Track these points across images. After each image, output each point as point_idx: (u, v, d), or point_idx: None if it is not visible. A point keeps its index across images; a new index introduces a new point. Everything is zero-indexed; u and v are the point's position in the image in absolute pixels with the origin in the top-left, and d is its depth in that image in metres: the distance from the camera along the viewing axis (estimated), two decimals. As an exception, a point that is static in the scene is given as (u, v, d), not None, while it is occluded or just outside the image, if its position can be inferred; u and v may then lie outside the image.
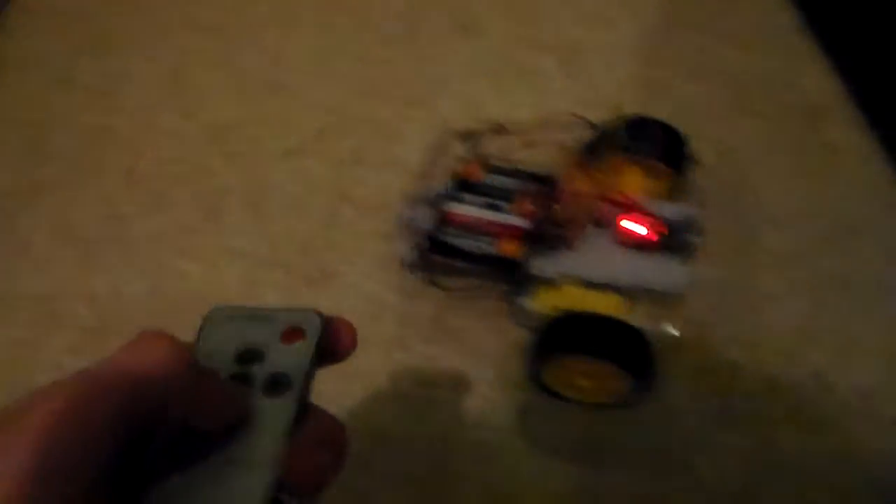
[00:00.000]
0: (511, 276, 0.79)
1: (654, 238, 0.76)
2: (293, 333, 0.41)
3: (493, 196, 0.81)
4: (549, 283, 0.78)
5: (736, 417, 0.77)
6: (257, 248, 0.94)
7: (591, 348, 0.72)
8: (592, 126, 0.85)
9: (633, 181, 0.83)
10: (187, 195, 0.99)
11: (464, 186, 0.82)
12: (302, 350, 0.40)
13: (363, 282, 0.90)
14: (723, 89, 0.99)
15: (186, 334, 0.85)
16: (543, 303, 0.77)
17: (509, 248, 0.77)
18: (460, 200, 0.81)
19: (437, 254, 0.80)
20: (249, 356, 0.40)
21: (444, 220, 0.80)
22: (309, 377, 0.39)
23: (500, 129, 0.86)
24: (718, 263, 0.86)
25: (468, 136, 0.86)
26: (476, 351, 0.84)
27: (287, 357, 0.40)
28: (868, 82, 0.96)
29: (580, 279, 0.77)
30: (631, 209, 0.78)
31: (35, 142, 1.09)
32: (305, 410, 0.38)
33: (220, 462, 0.36)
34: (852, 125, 0.94)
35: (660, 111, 0.93)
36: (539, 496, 0.77)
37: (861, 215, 0.88)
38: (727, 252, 0.87)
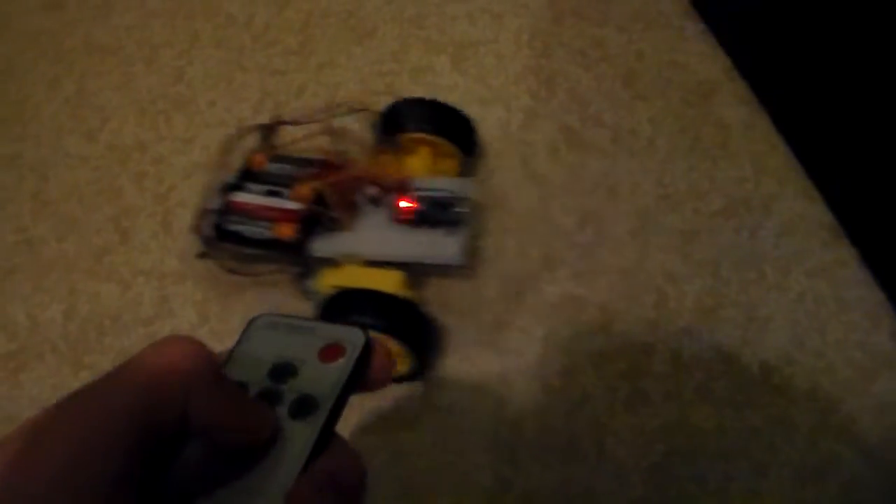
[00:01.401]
0: (292, 258, 0.84)
1: (415, 211, 0.82)
2: (333, 350, 0.38)
3: (274, 183, 0.85)
4: (330, 263, 0.83)
5: (647, 398, 0.80)
6: (167, 263, 0.96)
7: (362, 322, 0.75)
8: (373, 110, 0.90)
9: (420, 161, 0.89)
10: (98, 217, 1.00)
11: (248, 176, 0.86)
12: (338, 370, 0.37)
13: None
14: (614, 75, 1.02)
15: (106, 355, 0.87)
16: (326, 283, 0.82)
17: (285, 232, 0.81)
18: (244, 189, 0.85)
19: (222, 240, 0.84)
20: (283, 371, 0.38)
21: (229, 208, 0.84)
22: (340, 402, 0.36)
23: (289, 121, 0.90)
24: (617, 249, 0.88)
25: (260, 129, 0.90)
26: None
27: (321, 376, 0.37)
28: (755, 59, 0.99)
29: (360, 258, 0.82)
30: (403, 188, 0.83)
31: (-59, 175, 1.10)
32: (327, 440, 0.35)
33: (232, 486, 0.34)
34: (742, 102, 0.97)
35: (553, 101, 0.97)
36: (455, 487, 0.79)
37: (756, 190, 0.91)
38: (624, 236, 0.89)
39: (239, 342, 0.39)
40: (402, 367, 0.80)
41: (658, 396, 0.80)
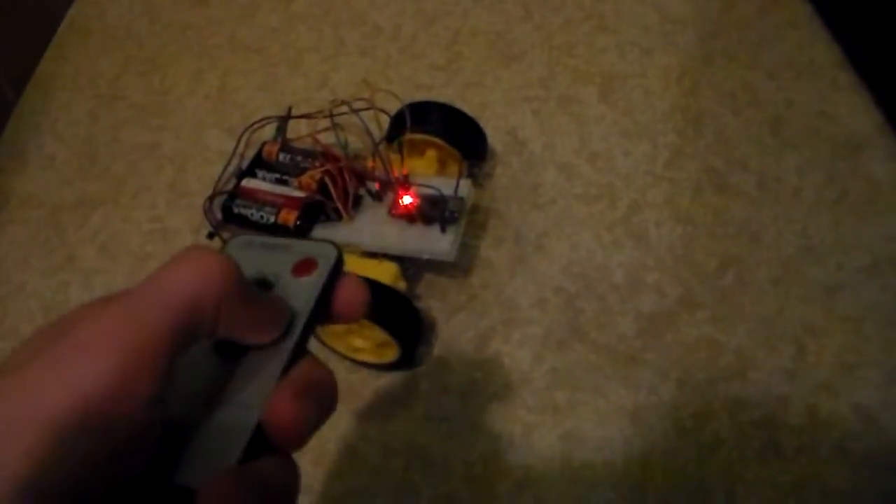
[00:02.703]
0: None
1: (414, 208, 0.86)
2: (306, 264, 0.39)
3: (283, 172, 0.91)
4: None
5: (780, 450, 0.80)
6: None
7: None
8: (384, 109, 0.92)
9: (425, 162, 0.94)
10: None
11: (259, 164, 0.93)
12: (310, 285, 0.38)
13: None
14: (762, 121, 1.02)
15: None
16: None
17: (288, 218, 0.86)
18: (254, 176, 0.92)
19: (229, 222, 0.90)
20: (259, 286, 0.38)
21: (238, 192, 0.91)
22: (312, 318, 0.38)
23: (302, 115, 0.94)
24: (758, 296, 0.88)
25: (277, 121, 0.97)
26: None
27: (295, 290, 0.38)
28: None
29: (358, 248, 0.87)
30: (404, 184, 0.86)
31: (84, 157, 1.14)
32: (301, 353, 0.37)
33: (215, 394, 0.35)
34: (893, 158, 0.96)
35: (700, 141, 0.98)
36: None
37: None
38: (765, 284, 0.89)
39: None
40: (391, 355, 0.85)
41: (791, 450, 0.79)
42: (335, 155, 0.88)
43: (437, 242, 0.85)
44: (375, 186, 0.88)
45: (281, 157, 0.93)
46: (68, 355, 0.29)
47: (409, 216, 0.86)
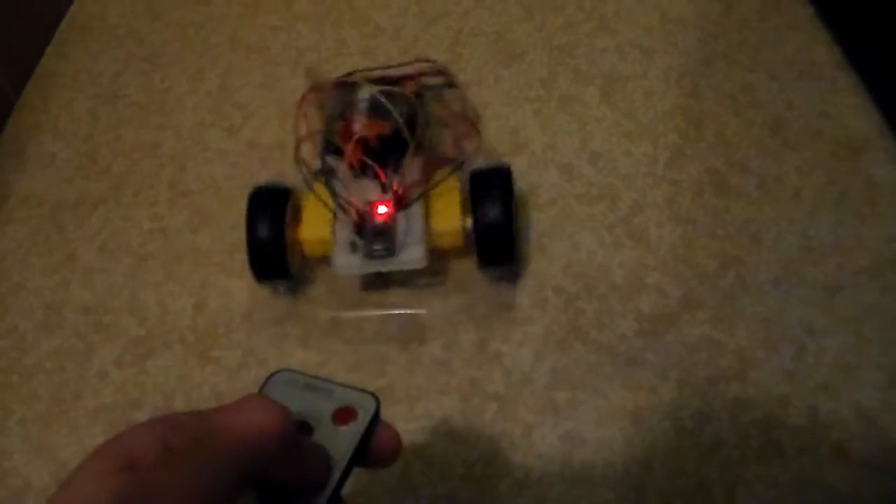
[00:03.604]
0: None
1: (388, 218, 0.86)
2: (346, 413, 0.41)
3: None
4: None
5: (781, 450, 0.80)
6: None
7: None
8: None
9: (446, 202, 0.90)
10: (233, 212, 1.02)
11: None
12: (350, 434, 0.40)
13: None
14: (762, 122, 1.02)
15: (234, 351, 0.89)
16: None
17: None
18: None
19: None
20: (300, 429, 0.40)
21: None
22: (349, 467, 0.39)
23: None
24: (758, 297, 0.89)
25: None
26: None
27: (333, 438, 0.40)
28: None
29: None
30: (392, 199, 0.87)
31: (84, 156, 1.14)
32: (337, 501, 0.38)
33: None
34: (893, 160, 0.97)
35: (701, 142, 0.98)
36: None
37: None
38: (765, 285, 0.89)
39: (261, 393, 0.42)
40: None
41: (792, 451, 0.79)
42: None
43: (409, 252, 0.85)
44: (381, 177, 0.87)
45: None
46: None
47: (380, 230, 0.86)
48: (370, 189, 0.88)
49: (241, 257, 0.94)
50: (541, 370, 0.87)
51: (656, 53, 1.12)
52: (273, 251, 0.88)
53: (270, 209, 0.89)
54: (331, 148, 0.89)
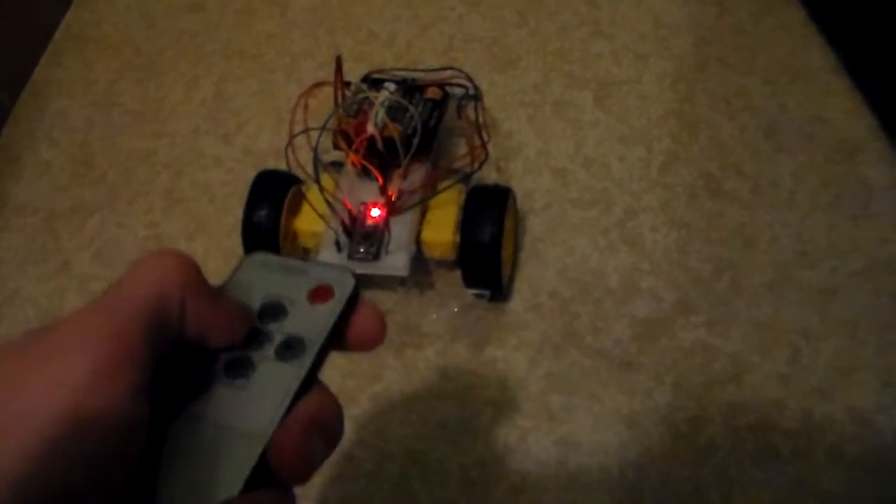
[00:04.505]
0: None
1: (381, 221, 0.86)
2: (322, 291, 0.39)
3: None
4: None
5: (776, 454, 0.80)
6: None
7: None
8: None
9: (444, 211, 0.90)
10: (229, 219, 1.03)
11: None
12: (325, 312, 0.39)
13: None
14: (756, 126, 1.02)
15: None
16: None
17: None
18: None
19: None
20: (272, 311, 0.39)
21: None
22: (325, 347, 0.38)
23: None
24: (753, 301, 0.89)
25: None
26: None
27: (309, 318, 0.38)
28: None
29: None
30: (386, 203, 0.87)
31: (79, 164, 1.14)
32: (311, 383, 0.37)
33: (219, 423, 0.35)
34: (887, 162, 0.97)
35: (695, 146, 0.98)
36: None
37: (897, 252, 0.91)
38: (760, 288, 0.89)
39: (231, 277, 0.40)
40: None
41: (787, 454, 0.80)
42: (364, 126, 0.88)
43: (394, 259, 0.85)
44: (378, 181, 0.87)
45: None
46: (51, 353, 0.30)
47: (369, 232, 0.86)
48: (369, 190, 0.88)
49: (234, 262, 0.94)
50: (536, 375, 0.87)
51: (650, 58, 1.12)
52: (267, 235, 0.89)
53: (271, 193, 0.90)
54: (338, 143, 0.89)
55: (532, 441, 0.83)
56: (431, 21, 1.22)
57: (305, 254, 0.94)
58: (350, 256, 0.85)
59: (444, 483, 0.81)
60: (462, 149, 0.96)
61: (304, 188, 0.91)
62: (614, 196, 0.98)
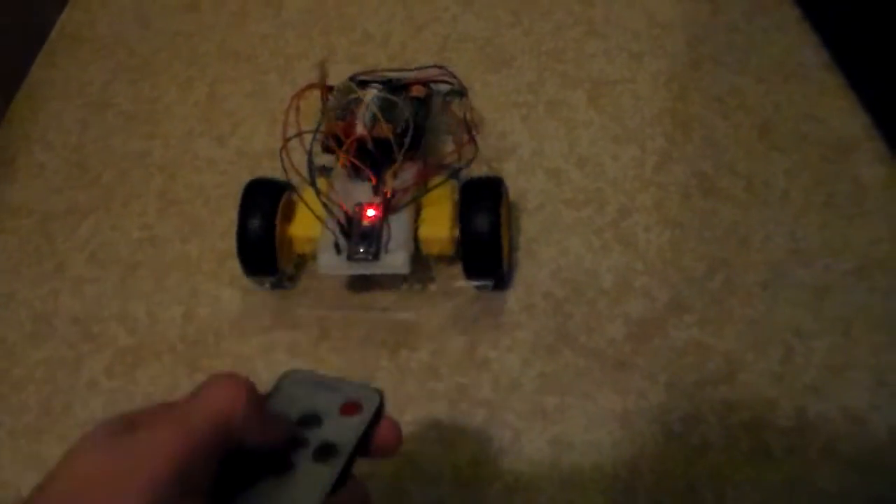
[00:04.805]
0: None
1: (375, 222, 0.86)
2: (351, 406, 0.45)
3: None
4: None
5: (769, 453, 0.80)
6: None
7: None
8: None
9: (438, 206, 0.91)
10: (223, 220, 1.03)
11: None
12: (354, 424, 0.44)
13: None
14: (750, 125, 1.02)
15: (224, 360, 0.90)
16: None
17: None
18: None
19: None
20: (309, 420, 0.44)
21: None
22: (355, 451, 0.43)
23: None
24: (746, 299, 0.89)
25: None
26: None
27: (340, 428, 0.44)
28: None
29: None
30: (384, 204, 0.87)
31: (73, 166, 1.14)
32: (345, 482, 0.42)
33: None
34: (881, 161, 0.97)
35: (688, 146, 0.98)
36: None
37: (891, 252, 0.91)
38: (753, 287, 0.90)
39: (271, 393, 0.46)
40: None
41: (780, 453, 0.80)
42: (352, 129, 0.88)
43: (393, 257, 0.86)
44: (372, 181, 0.88)
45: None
46: (136, 456, 0.35)
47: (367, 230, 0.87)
48: (363, 191, 0.88)
49: (231, 265, 0.94)
50: (529, 375, 0.87)
51: (644, 57, 1.12)
52: (262, 244, 0.89)
53: (264, 201, 0.90)
54: (328, 146, 0.89)
55: (525, 441, 0.83)
56: (425, 21, 1.22)
57: (301, 259, 0.94)
58: (350, 257, 0.85)
59: (438, 483, 0.81)
60: (450, 145, 0.96)
61: (294, 196, 0.91)
62: (608, 196, 0.98)
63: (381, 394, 0.46)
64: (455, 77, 0.95)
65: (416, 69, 0.98)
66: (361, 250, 0.85)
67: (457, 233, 0.87)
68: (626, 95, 1.08)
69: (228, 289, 0.98)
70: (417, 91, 0.94)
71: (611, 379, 0.85)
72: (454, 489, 0.81)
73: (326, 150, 0.90)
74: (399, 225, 0.87)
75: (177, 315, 0.98)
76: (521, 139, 1.06)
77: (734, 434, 0.81)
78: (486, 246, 0.87)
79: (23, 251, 1.07)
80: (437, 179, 0.91)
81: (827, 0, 1.12)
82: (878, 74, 1.02)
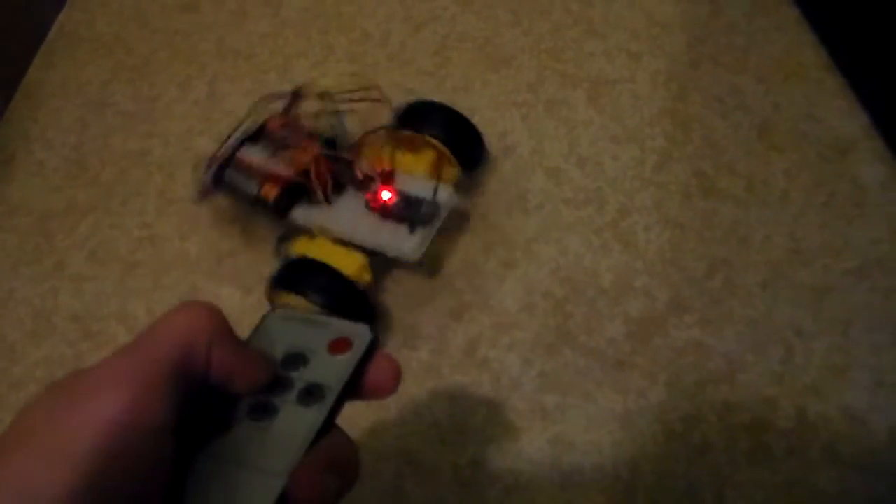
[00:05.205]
0: (272, 217, 0.91)
1: (391, 204, 0.86)
2: (341, 343, 0.42)
3: (279, 148, 0.90)
4: (306, 232, 0.89)
5: (770, 453, 0.80)
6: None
7: (303, 290, 0.82)
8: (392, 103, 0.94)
9: (419, 162, 0.93)
10: (222, 219, 1.02)
11: (262, 136, 0.93)
12: (344, 363, 0.41)
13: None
14: (750, 125, 1.02)
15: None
16: (297, 249, 0.88)
17: (269, 193, 0.87)
18: (252, 145, 0.92)
19: (217, 187, 0.92)
20: (294, 360, 0.42)
21: (233, 161, 0.91)
22: (343, 394, 0.40)
23: (312, 95, 0.94)
24: (747, 299, 0.89)
25: (289, 96, 0.95)
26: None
27: (328, 368, 0.41)
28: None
29: (331, 233, 0.88)
30: (385, 179, 0.88)
31: (73, 164, 1.14)
32: (329, 427, 0.40)
33: (242, 461, 0.38)
34: (880, 161, 0.97)
35: (688, 145, 0.98)
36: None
37: (891, 252, 0.90)
38: (753, 287, 0.89)
39: (255, 330, 0.44)
40: None
41: (780, 453, 0.79)
42: (313, 140, 0.89)
43: (403, 241, 0.86)
44: (359, 176, 0.88)
45: (282, 132, 0.92)
46: (85, 394, 0.34)
47: (385, 212, 0.87)
48: (355, 199, 0.89)
49: (230, 264, 0.95)
50: (529, 374, 0.87)
51: (643, 57, 1.12)
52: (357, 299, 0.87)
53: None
54: (295, 192, 0.90)
55: (526, 441, 0.83)
56: (424, 21, 1.22)
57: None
58: (421, 224, 0.86)
59: (437, 483, 0.81)
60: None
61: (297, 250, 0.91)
62: (608, 195, 0.98)
63: (374, 330, 0.43)
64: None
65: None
66: (423, 212, 0.86)
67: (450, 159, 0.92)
68: (626, 95, 1.08)
69: (228, 287, 0.98)
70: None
71: (611, 378, 0.85)
72: (454, 489, 0.81)
73: (298, 196, 0.90)
74: (409, 180, 0.89)
75: (177, 314, 0.97)
76: (520, 138, 1.05)
77: (734, 434, 0.81)
78: (467, 130, 0.96)
79: (22, 249, 1.07)
80: (375, 136, 0.92)
81: (826, 0, 1.12)
82: (877, 74, 1.02)
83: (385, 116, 0.92)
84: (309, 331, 0.43)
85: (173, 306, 0.38)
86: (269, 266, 0.92)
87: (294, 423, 0.39)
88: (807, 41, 1.11)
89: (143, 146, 1.15)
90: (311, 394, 0.40)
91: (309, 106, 0.94)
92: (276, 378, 0.41)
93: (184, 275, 1.00)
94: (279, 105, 0.95)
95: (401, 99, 0.96)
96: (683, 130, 1.03)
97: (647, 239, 0.94)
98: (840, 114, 1.02)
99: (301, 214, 0.89)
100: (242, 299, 0.97)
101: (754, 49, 1.10)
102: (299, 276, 0.85)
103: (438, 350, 0.90)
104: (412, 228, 0.86)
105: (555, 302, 0.91)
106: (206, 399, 0.38)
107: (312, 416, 0.39)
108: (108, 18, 1.35)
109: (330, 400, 0.40)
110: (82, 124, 1.19)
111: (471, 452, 0.83)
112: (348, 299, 0.84)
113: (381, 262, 0.90)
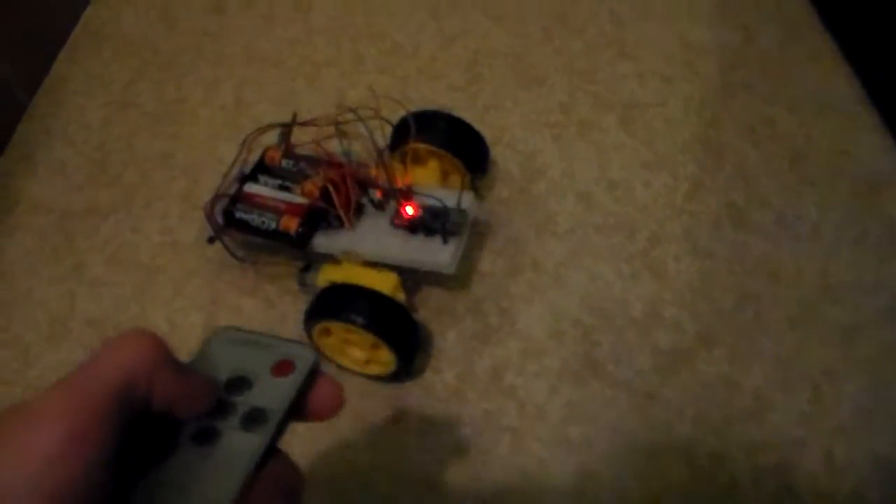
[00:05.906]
0: (294, 252, 0.90)
1: (416, 218, 0.85)
2: (284, 366, 0.42)
3: (286, 179, 0.90)
4: (332, 259, 0.89)
5: (797, 496, 0.79)
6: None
7: (345, 315, 0.81)
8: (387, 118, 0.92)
9: (427, 172, 0.93)
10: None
11: (262, 169, 0.92)
12: (286, 385, 0.41)
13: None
14: (782, 156, 1.01)
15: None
16: (325, 277, 0.88)
17: (289, 225, 0.85)
18: (256, 181, 0.91)
19: (230, 227, 0.90)
20: (238, 383, 0.42)
21: (240, 197, 0.90)
22: (286, 417, 0.40)
23: (305, 122, 0.92)
24: (776, 336, 0.88)
25: (279, 127, 0.94)
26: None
27: (271, 390, 0.41)
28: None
29: (359, 257, 0.87)
30: (406, 194, 0.87)
31: (95, 164, 1.13)
32: (272, 451, 0.39)
33: (184, 489, 0.37)
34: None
35: (720, 175, 0.97)
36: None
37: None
38: (782, 323, 0.88)
39: (199, 351, 0.43)
40: (387, 367, 0.86)
41: (807, 496, 0.78)
42: (338, 162, 0.88)
43: (437, 254, 0.85)
44: (378, 195, 0.88)
45: (283, 163, 0.91)
46: (24, 426, 0.33)
47: (411, 226, 0.86)
48: (376, 219, 0.88)
49: (253, 274, 0.93)
50: (556, 403, 0.86)
51: (676, 81, 1.11)
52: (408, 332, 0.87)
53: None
54: (314, 220, 0.88)
55: (550, 471, 0.82)
56: (456, 34, 1.21)
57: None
58: (451, 234, 0.85)
59: (460, 511, 0.80)
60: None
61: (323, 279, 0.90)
62: (638, 223, 0.97)
63: (315, 352, 0.43)
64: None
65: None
66: (452, 221, 0.84)
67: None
68: (658, 120, 1.07)
69: (250, 298, 0.97)
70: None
71: (638, 410, 0.84)
72: (476, 517, 0.80)
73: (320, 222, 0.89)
74: (426, 191, 0.87)
75: (196, 323, 0.96)
76: (551, 160, 1.04)
77: (761, 475, 0.80)
78: (469, 133, 0.95)
79: (41, 249, 1.05)
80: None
81: (862, 32, 1.11)
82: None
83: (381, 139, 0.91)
84: (253, 352, 0.43)
85: (115, 337, 0.38)
86: (292, 280, 0.91)
87: (236, 448, 0.39)
88: (841, 72, 1.10)
89: (167, 148, 1.14)
90: (254, 419, 0.40)
91: (302, 133, 0.93)
92: (220, 402, 0.41)
93: (205, 283, 0.99)
94: (272, 136, 0.94)
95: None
96: (715, 159, 1.02)
97: (677, 269, 0.93)
98: (873, 149, 1.02)
99: (323, 242, 0.88)
100: (265, 311, 0.96)
101: (788, 78, 1.10)
102: (340, 303, 0.83)
103: (464, 375, 0.88)
104: (445, 239, 0.84)
105: (583, 330, 0.90)
106: (148, 425, 0.38)
107: (255, 441, 0.39)
108: (133, 17, 1.34)
109: (272, 424, 0.40)
110: (105, 123, 1.18)
111: (494, 481, 0.82)
112: (394, 318, 0.84)
113: (407, 282, 0.89)
